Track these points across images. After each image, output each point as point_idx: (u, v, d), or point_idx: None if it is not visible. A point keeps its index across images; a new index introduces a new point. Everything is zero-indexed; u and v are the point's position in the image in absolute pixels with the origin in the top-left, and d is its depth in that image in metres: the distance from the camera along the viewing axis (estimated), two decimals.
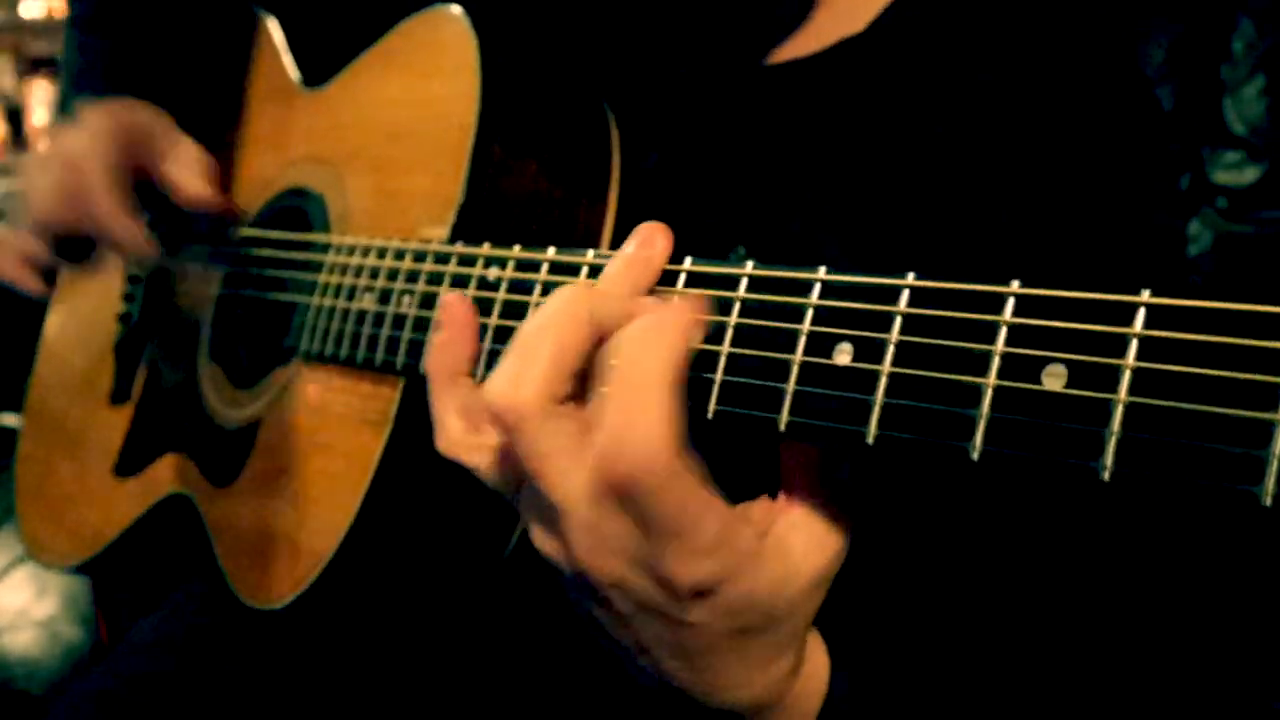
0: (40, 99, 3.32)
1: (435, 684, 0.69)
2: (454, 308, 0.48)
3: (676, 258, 0.46)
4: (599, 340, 0.40)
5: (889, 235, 0.55)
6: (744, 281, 0.42)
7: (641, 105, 0.68)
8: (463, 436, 0.44)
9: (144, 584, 0.87)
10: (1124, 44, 0.59)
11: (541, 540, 0.41)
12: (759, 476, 0.42)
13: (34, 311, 0.99)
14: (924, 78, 0.59)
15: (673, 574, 0.37)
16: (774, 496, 0.42)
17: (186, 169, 0.77)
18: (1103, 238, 0.51)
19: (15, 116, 3.27)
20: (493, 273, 0.54)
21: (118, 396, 0.86)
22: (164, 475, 0.78)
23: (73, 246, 0.77)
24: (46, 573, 1.11)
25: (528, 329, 0.40)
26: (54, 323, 0.99)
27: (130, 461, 0.82)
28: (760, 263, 0.42)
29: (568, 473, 0.38)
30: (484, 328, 0.53)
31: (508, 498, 0.44)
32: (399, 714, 0.68)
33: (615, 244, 0.62)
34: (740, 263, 0.43)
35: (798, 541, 0.40)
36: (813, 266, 0.40)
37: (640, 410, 0.36)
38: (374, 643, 0.68)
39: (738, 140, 0.65)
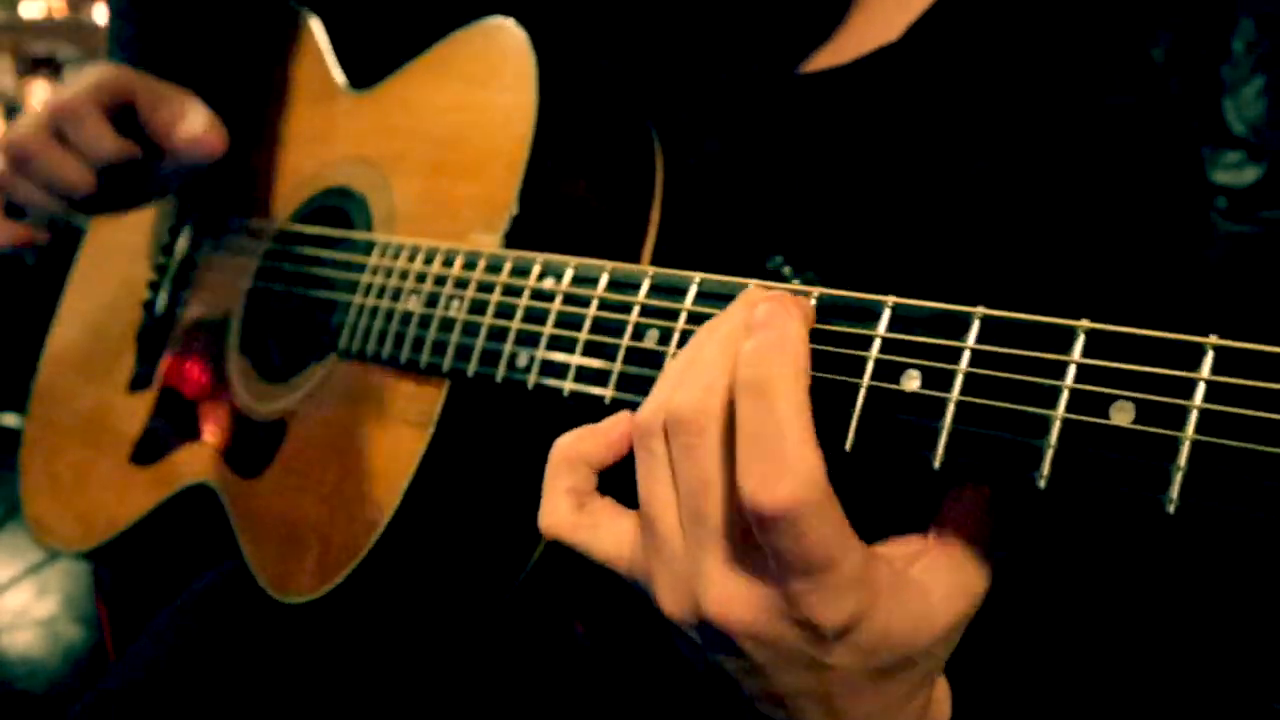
0: (40, 99, 3.29)
1: (453, 690, 0.70)
2: (622, 424, 0.46)
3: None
4: None
5: (925, 241, 0.57)
6: (810, 303, 0.44)
7: (680, 111, 0.70)
8: (571, 516, 0.44)
9: (154, 574, 0.87)
10: (1136, 42, 0.61)
11: (670, 600, 0.40)
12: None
13: (35, 311, 0.99)
14: (957, 84, 0.60)
15: (815, 615, 0.37)
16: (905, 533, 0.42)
17: (186, 123, 0.75)
18: (1138, 229, 0.53)
19: (15, 116, 3.24)
20: (548, 283, 0.55)
21: (138, 384, 0.86)
22: (185, 465, 0.78)
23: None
24: (47, 573, 1.10)
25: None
26: (69, 308, 0.99)
27: (149, 450, 0.82)
28: (826, 287, 0.44)
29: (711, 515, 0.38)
30: (538, 336, 0.54)
31: (612, 569, 0.44)
32: (413, 712, 0.69)
33: (656, 260, 0.63)
34: (782, 273, 0.44)
35: (939, 583, 0.39)
36: (881, 293, 0.41)
37: (787, 437, 0.36)
38: (396, 644, 0.69)
39: (775, 147, 0.66)
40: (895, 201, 0.60)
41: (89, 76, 0.75)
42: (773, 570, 0.37)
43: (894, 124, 0.62)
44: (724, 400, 0.39)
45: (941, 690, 0.43)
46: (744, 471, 0.36)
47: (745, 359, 0.37)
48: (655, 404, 0.41)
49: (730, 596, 0.38)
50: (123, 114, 0.75)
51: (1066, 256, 0.56)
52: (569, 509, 0.44)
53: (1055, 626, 0.51)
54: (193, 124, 0.75)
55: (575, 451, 0.45)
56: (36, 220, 0.77)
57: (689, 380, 0.40)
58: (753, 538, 0.37)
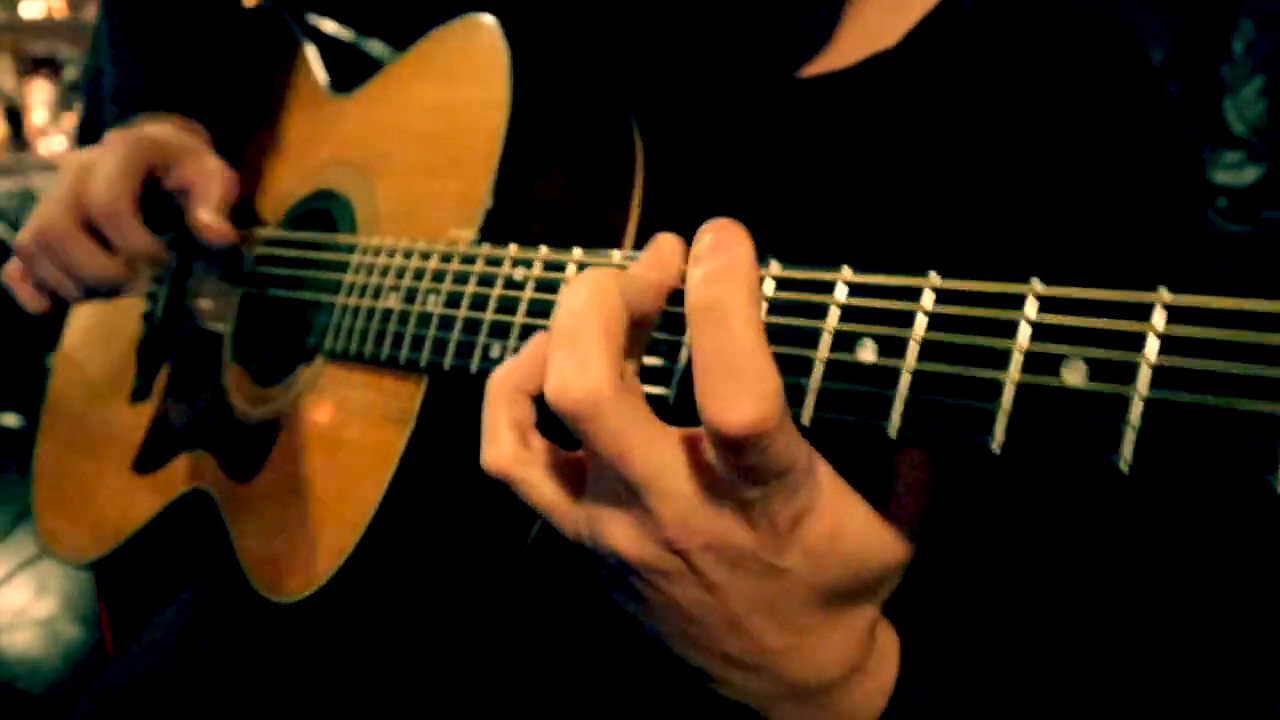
0: (40, 99, 3.34)
1: (448, 684, 0.69)
2: (538, 345, 0.46)
3: None
4: (632, 320, 0.41)
5: (920, 247, 0.56)
6: (770, 282, 0.43)
7: (674, 116, 0.70)
8: (515, 450, 0.43)
9: (157, 580, 0.88)
10: (1134, 45, 0.60)
11: (621, 530, 0.40)
12: None
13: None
14: (954, 91, 0.60)
15: (770, 510, 0.37)
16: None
17: (204, 200, 0.78)
18: (1137, 236, 0.52)
19: (15, 116, 3.28)
20: (519, 273, 0.55)
21: (139, 394, 0.87)
22: (183, 471, 0.79)
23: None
24: (46, 572, 1.11)
25: (565, 321, 0.40)
26: (76, 321, 1.00)
27: (150, 458, 0.83)
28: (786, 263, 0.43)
29: (653, 442, 0.38)
30: (509, 326, 0.54)
31: (551, 515, 0.43)
32: (412, 713, 0.69)
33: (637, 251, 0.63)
34: (766, 263, 0.44)
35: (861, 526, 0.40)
36: (836, 266, 0.41)
37: (746, 357, 0.37)
38: (389, 640, 0.69)
39: (769, 152, 0.66)
40: (890, 207, 0.60)
41: (112, 158, 0.76)
42: (726, 482, 0.38)
43: (890, 130, 0.61)
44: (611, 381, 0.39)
45: (889, 642, 0.43)
46: (707, 394, 0.36)
47: (696, 285, 0.38)
48: (554, 385, 0.40)
49: (688, 516, 0.38)
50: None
51: (1066, 259, 0.55)
52: (513, 443, 0.43)
53: (1033, 611, 0.50)
54: (196, 215, 0.78)
55: (512, 381, 0.44)
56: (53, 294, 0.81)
57: (575, 365, 0.39)
58: (703, 458, 0.38)
